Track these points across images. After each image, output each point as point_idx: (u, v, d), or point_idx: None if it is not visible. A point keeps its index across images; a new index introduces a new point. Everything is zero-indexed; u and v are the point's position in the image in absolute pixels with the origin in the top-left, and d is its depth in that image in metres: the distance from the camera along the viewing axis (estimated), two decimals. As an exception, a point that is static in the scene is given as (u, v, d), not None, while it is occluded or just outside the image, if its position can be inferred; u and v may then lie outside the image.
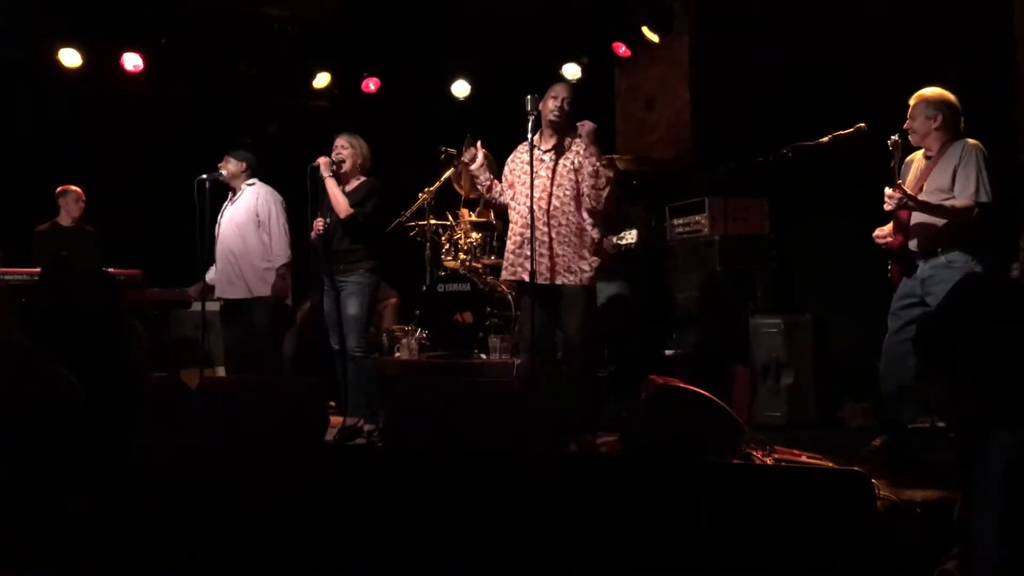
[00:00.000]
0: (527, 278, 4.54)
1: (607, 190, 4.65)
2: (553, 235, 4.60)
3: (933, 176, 4.29)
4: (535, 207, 4.49)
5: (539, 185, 4.58)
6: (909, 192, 4.22)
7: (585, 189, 4.61)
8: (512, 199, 4.79)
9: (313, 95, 8.11)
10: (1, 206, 6.89)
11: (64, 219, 6.73)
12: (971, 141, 4.24)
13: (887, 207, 4.28)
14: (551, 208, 4.61)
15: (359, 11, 7.50)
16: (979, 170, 4.16)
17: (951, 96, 4.31)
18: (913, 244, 4.34)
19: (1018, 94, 5.16)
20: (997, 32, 5.13)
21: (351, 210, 5.18)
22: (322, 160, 5.25)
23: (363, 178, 5.38)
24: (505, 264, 4.80)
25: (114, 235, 6.84)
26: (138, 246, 6.71)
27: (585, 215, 4.64)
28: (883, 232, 4.50)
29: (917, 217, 4.30)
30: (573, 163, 4.63)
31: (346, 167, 5.30)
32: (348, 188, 5.31)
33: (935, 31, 5.29)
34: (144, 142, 7.53)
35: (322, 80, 8.01)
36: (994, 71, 5.08)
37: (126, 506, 2.38)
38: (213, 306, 5.94)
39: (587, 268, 4.63)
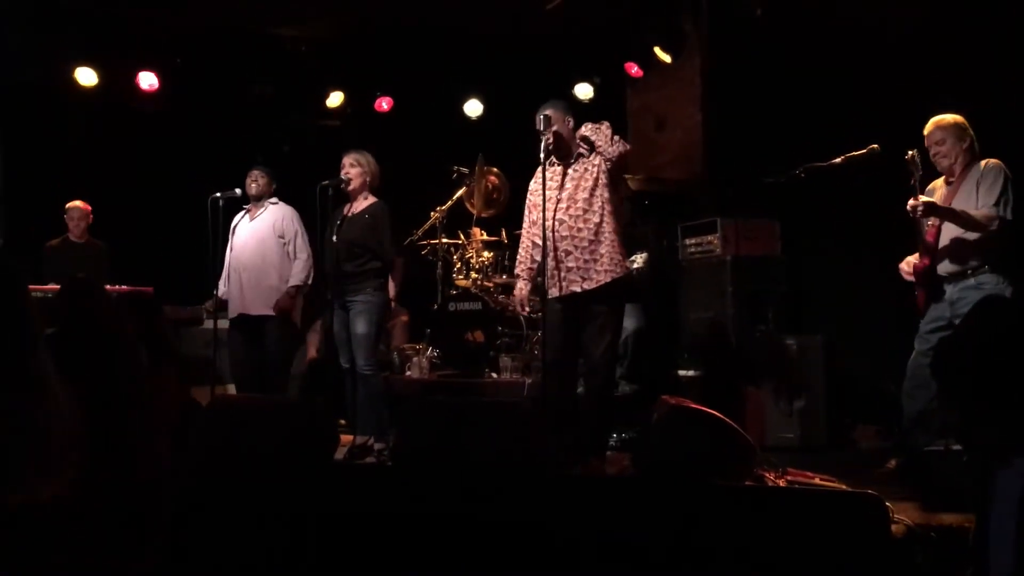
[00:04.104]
0: (556, 293, 4.54)
1: (613, 138, 4.54)
2: (581, 245, 4.54)
3: (958, 198, 4.30)
4: (555, 220, 4.52)
5: (557, 201, 4.58)
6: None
7: (600, 148, 4.53)
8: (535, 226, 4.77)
9: (326, 114, 8.16)
10: (18, 222, 6.95)
11: (73, 235, 6.77)
12: (993, 160, 4.27)
13: (912, 214, 4.29)
14: (572, 218, 4.55)
15: (372, 31, 7.56)
16: (1003, 186, 4.19)
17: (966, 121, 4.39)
18: (942, 268, 4.33)
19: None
20: (1014, 55, 5.12)
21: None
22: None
23: (371, 198, 5.36)
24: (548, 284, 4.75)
25: (127, 252, 6.87)
26: (151, 264, 6.73)
27: (605, 226, 4.60)
28: (908, 265, 4.50)
29: (945, 239, 4.31)
30: (593, 163, 4.58)
31: (354, 185, 5.32)
32: (356, 208, 5.32)
33: (950, 53, 5.29)
34: (158, 160, 7.58)
35: (335, 99, 8.06)
36: (1011, 94, 5.06)
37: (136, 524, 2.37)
38: (225, 323, 5.93)
39: (617, 267, 4.56)
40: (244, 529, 3.12)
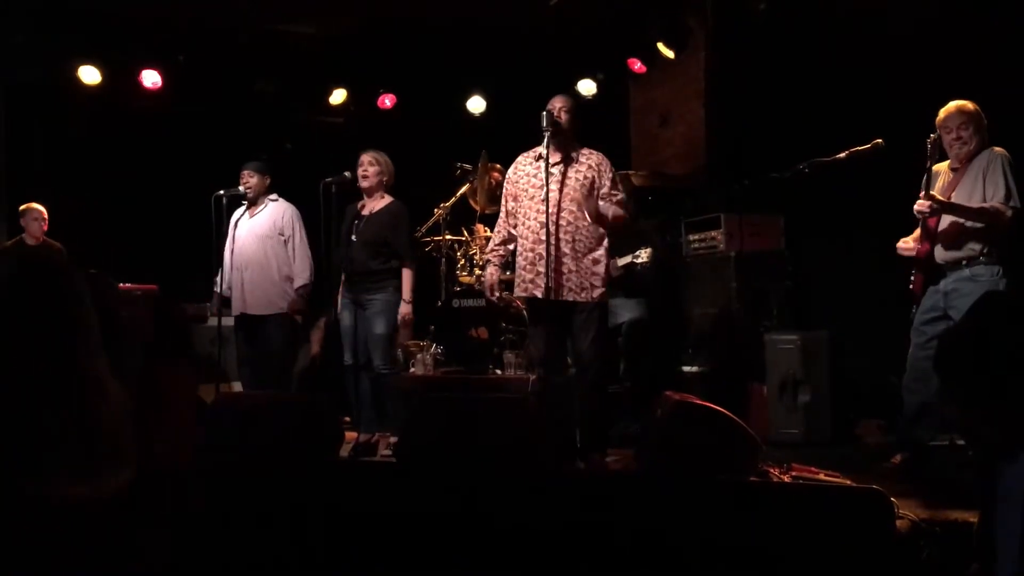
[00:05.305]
0: (539, 295, 4.51)
1: (619, 209, 4.57)
2: (566, 250, 4.55)
3: (962, 186, 4.29)
4: (541, 222, 4.47)
5: (549, 199, 4.52)
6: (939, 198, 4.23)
7: (604, 192, 4.55)
8: (518, 216, 4.74)
9: (329, 111, 8.16)
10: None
11: (28, 237, 6.72)
12: (997, 149, 4.27)
13: (919, 216, 4.29)
14: (562, 223, 4.54)
15: (375, 28, 7.55)
16: (1008, 175, 4.17)
17: None
18: (939, 254, 4.32)
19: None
20: (1016, 49, 5.10)
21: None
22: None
23: (387, 198, 5.34)
24: (517, 281, 4.73)
25: (131, 250, 6.89)
26: (155, 261, 6.74)
27: (594, 228, 4.59)
28: (907, 244, 4.49)
29: (944, 225, 4.30)
30: (584, 175, 4.57)
31: (371, 184, 5.30)
32: (375, 207, 5.31)
33: (953, 47, 5.27)
34: (161, 158, 7.59)
35: (338, 96, 8.06)
36: (1014, 89, 5.04)
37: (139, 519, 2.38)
38: (229, 321, 5.93)
39: (599, 283, 4.58)
40: (248, 526, 3.13)
